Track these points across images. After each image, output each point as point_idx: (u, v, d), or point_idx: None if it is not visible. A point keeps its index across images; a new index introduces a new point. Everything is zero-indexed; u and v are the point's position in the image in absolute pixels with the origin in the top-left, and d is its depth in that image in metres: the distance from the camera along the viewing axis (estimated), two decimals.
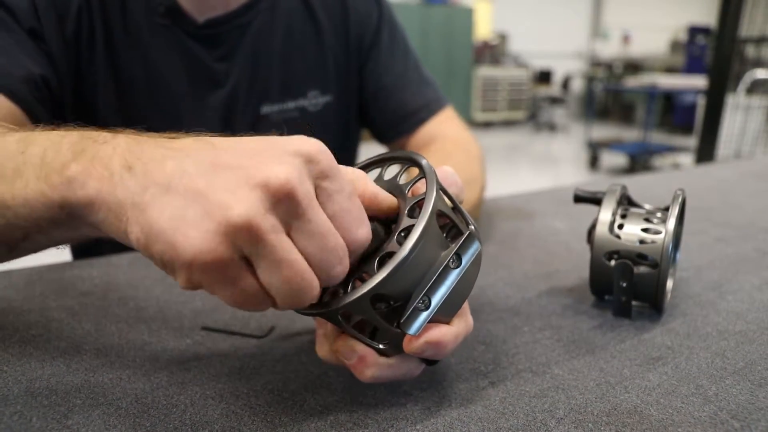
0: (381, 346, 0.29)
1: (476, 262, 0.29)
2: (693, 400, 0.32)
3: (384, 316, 0.28)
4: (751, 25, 3.05)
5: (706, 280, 0.50)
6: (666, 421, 0.30)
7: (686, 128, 7.11)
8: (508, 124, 8.55)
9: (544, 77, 8.85)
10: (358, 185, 0.29)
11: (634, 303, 0.42)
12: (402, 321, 0.28)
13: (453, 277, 0.28)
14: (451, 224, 0.31)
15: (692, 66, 7.32)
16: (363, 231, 0.27)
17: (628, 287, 0.41)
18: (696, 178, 0.94)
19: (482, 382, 0.34)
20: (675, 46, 9.14)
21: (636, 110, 8.64)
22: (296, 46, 0.70)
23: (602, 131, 7.55)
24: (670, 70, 8.44)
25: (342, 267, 0.26)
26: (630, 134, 6.97)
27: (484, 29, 8.60)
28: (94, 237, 0.31)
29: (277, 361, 0.36)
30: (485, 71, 8.04)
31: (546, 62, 9.14)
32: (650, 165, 5.14)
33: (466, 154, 0.65)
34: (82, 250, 0.75)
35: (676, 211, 0.40)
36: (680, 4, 9.88)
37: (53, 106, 0.59)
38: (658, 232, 0.41)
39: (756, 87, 4.06)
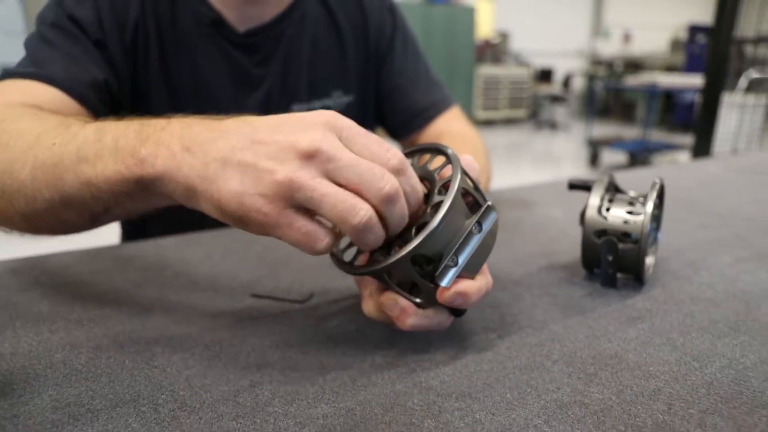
0: (418, 300, 0.37)
1: (494, 229, 0.37)
2: (663, 348, 0.39)
3: (421, 275, 0.35)
4: (748, 24, 3.11)
5: (685, 259, 0.57)
6: (640, 362, 0.37)
7: (686, 126, 7.17)
8: (509, 122, 8.60)
9: (545, 76, 8.91)
10: None
11: (619, 275, 0.49)
12: (436, 275, 0.35)
13: (475, 240, 0.36)
14: (473, 200, 0.38)
15: (692, 65, 7.36)
16: (391, 153, 0.34)
17: (613, 261, 0.48)
18: (687, 172, 1.01)
19: (491, 336, 0.41)
20: (676, 44, 9.19)
21: (637, 108, 8.70)
22: (322, 52, 0.78)
23: (603, 129, 7.62)
24: (671, 68, 8.49)
25: (386, 182, 0.32)
26: (631, 132, 7.03)
27: (485, 28, 8.65)
28: (162, 206, 0.39)
29: (318, 320, 0.43)
30: (487, 70, 8.10)
31: (547, 61, 9.19)
32: (650, 163, 5.20)
33: (473, 148, 0.72)
34: (130, 234, 0.82)
35: (654, 196, 0.47)
36: (681, 3, 9.92)
37: (113, 106, 0.66)
38: (639, 214, 0.47)
39: (754, 86, 4.12)
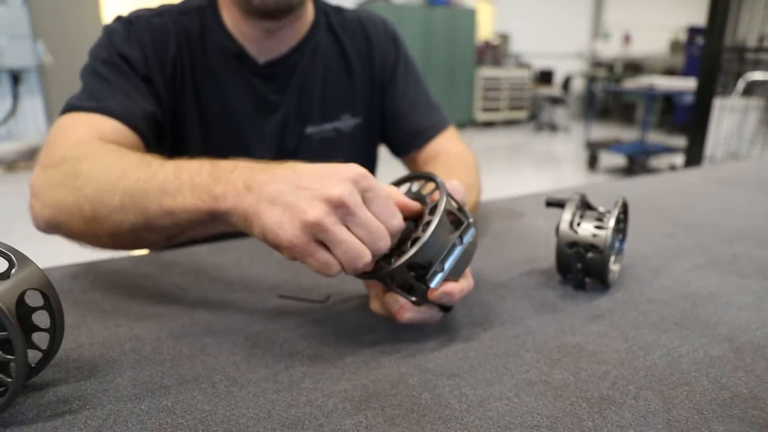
0: (414, 299, 0.46)
1: (473, 242, 0.47)
2: (617, 340, 0.48)
3: (415, 279, 0.45)
4: (750, 27, 3.18)
5: (649, 265, 0.66)
6: (596, 351, 0.46)
7: (687, 128, 7.23)
8: (509, 124, 8.69)
9: (545, 77, 8.99)
10: (395, 197, 0.46)
11: (587, 279, 0.59)
12: (427, 278, 0.44)
13: (458, 251, 0.45)
14: (457, 219, 0.47)
15: (692, 66, 7.44)
16: (396, 220, 0.44)
17: (582, 268, 0.57)
18: (663, 183, 1.10)
19: (477, 329, 0.50)
20: (675, 46, 9.27)
21: (637, 110, 8.79)
22: (332, 80, 0.87)
23: (603, 131, 7.69)
24: (671, 70, 8.57)
25: (384, 242, 0.43)
26: (630, 134, 7.11)
27: (485, 30, 8.74)
28: (222, 231, 0.48)
29: (336, 316, 0.53)
30: (487, 71, 8.19)
31: (547, 62, 9.27)
32: (647, 165, 5.28)
33: (465, 165, 0.82)
34: None
35: (616, 214, 0.56)
36: (681, 5, 9.98)
37: (158, 135, 0.76)
38: (604, 229, 0.57)
39: (754, 89, 4.20)
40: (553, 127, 8.12)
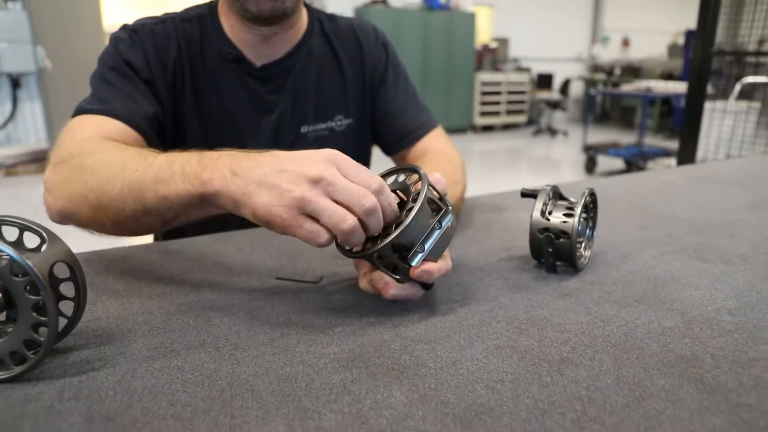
0: (398, 277, 0.52)
1: (452, 226, 0.52)
2: (581, 314, 0.54)
3: (399, 259, 0.50)
4: (751, 30, 3.23)
5: (619, 252, 0.72)
6: (560, 323, 0.52)
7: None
8: (508, 128, 8.75)
9: (544, 81, 9.06)
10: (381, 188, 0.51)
11: (558, 263, 0.64)
12: (408, 257, 0.50)
13: (437, 234, 0.51)
14: (437, 206, 0.53)
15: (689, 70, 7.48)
16: (373, 180, 0.49)
17: (553, 252, 0.62)
18: (644, 181, 1.16)
19: (454, 305, 0.55)
20: (673, 50, 9.35)
21: (636, 114, 8.85)
22: (326, 82, 0.93)
23: (602, 135, 7.76)
24: (669, 74, 8.64)
25: (368, 199, 0.47)
26: (630, 138, 7.16)
27: (484, 34, 8.81)
28: (213, 213, 0.54)
29: (328, 294, 0.58)
30: (486, 76, 8.25)
31: (546, 66, 9.34)
32: (645, 168, 5.34)
33: (451, 162, 0.88)
34: (167, 234, 0.97)
35: (582, 203, 0.62)
36: (679, 9, 10.06)
37: (160, 133, 0.82)
38: (573, 216, 0.62)
39: (750, 91, 4.25)
40: (552, 131, 8.18)
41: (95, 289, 0.59)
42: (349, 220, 0.47)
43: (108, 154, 0.62)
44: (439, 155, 0.90)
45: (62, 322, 0.45)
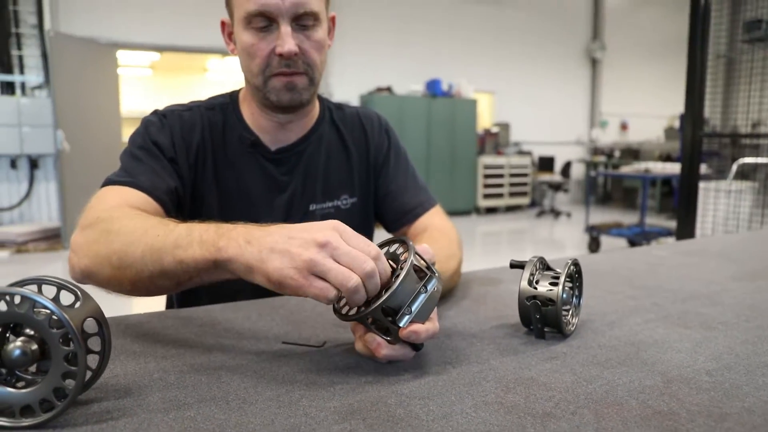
0: (389, 338, 0.56)
1: (437, 289, 0.57)
2: (566, 374, 0.58)
3: (390, 322, 0.55)
4: (746, 113, 3.39)
5: (606, 320, 0.76)
6: (546, 382, 0.55)
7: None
8: (511, 209, 8.89)
9: (545, 164, 9.29)
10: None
11: (546, 329, 0.68)
12: (396, 318, 0.55)
13: (422, 297, 0.56)
14: (424, 273, 0.58)
15: None
16: (371, 248, 0.55)
17: (540, 318, 0.67)
18: (636, 256, 1.21)
19: (447, 366, 0.59)
20: (670, 132, 9.65)
21: (638, 195, 9.01)
22: (333, 164, 1.02)
23: (604, 216, 7.85)
24: (668, 155, 8.87)
25: (368, 264, 0.53)
26: (632, 218, 7.25)
27: (486, 119, 9.15)
28: (225, 279, 0.59)
29: (330, 357, 0.62)
30: (488, 159, 8.50)
31: (547, 150, 9.62)
32: None
33: (448, 238, 0.94)
34: (181, 302, 1.02)
35: (565, 274, 0.67)
36: (674, 94, 10.43)
37: (179, 205, 0.89)
38: (558, 284, 0.67)
39: (754, 171, 4.37)
40: (555, 213, 8.30)
41: (114, 349, 0.64)
42: (355, 279, 0.52)
43: (133, 221, 0.68)
44: (437, 232, 0.97)
45: (87, 374, 0.49)
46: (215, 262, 0.58)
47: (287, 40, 0.84)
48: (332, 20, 0.96)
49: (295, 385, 0.55)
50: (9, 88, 5.73)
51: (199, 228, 0.61)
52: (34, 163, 5.91)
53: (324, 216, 1.01)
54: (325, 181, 1.02)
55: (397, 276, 0.55)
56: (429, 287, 0.57)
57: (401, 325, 0.55)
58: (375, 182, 1.07)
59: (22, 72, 5.80)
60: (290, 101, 0.90)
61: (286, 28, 0.85)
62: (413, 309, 0.56)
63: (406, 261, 0.56)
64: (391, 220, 1.06)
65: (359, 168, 1.05)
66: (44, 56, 5.74)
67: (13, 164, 5.83)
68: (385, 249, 0.63)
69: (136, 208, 0.78)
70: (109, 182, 0.84)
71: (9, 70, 5.69)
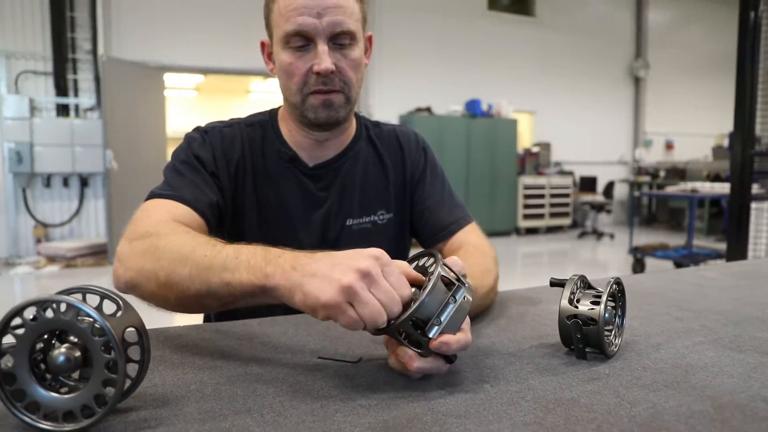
0: (420, 351, 0.56)
1: (466, 300, 0.57)
2: (608, 396, 0.55)
3: (420, 334, 0.55)
4: None
5: (651, 342, 0.73)
6: (587, 404, 0.54)
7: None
8: (552, 230, 8.73)
9: (587, 184, 9.11)
10: (401, 268, 0.57)
11: (588, 350, 0.66)
12: (426, 329, 0.54)
13: (451, 307, 0.56)
14: (453, 283, 0.58)
15: None
16: (406, 290, 0.55)
17: (581, 338, 0.65)
18: (683, 277, 1.16)
19: (485, 385, 0.58)
20: (719, 152, 9.33)
21: (684, 216, 8.72)
22: (370, 180, 1.03)
23: (649, 237, 7.62)
24: (717, 175, 8.57)
25: (397, 307, 0.54)
26: (679, 240, 7.01)
27: (526, 139, 9.07)
28: (266, 302, 0.60)
29: (365, 372, 0.62)
30: (529, 180, 8.39)
31: (589, 169, 9.44)
32: None
33: (483, 254, 0.94)
34: (218, 316, 1.03)
35: (608, 292, 0.65)
36: (721, 112, 10.14)
37: (220, 219, 0.91)
38: (600, 304, 0.65)
39: None
40: (597, 234, 8.11)
41: (153, 360, 0.65)
42: (383, 319, 0.54)
43: (181, 238, 0.70)
44: (472, 248, 0.96)
45: (127, 382, 0.50)
46: (262, 288, 0.59)
47: (324, 59, 0.86)
48: (369, 40, 0.97)
49: (330, 400, 0.54)
50: (64, 110, 6.01)
51: (247, 251, 0.63)
52: (84, 182, 6.16)
53: (361, 231, 1.01)
54: (362, 196, 1.02)
55: (425, 288, 0.55)
56: (458, 296, 0.57)
57: (431, 335, 0.55)
58: (411, 198, 1.07)
59: (76, 95, 6.08)
60: (327, 118, 0.91)
61: (323, 47, 0.86)
62: (442, 319, 0.55)
63: (433, 273, 0.56)
64: (427, 236, 1.05)
65: (396, 184, 1.05)
66: (97, 79, 6.01)
67: (66, 182, 6.08)
68: (415, 263, 0.63)
69: (179, 221, 0.80)
70: (153, 195, 0.87)
71: (65, 93, 5.97)
